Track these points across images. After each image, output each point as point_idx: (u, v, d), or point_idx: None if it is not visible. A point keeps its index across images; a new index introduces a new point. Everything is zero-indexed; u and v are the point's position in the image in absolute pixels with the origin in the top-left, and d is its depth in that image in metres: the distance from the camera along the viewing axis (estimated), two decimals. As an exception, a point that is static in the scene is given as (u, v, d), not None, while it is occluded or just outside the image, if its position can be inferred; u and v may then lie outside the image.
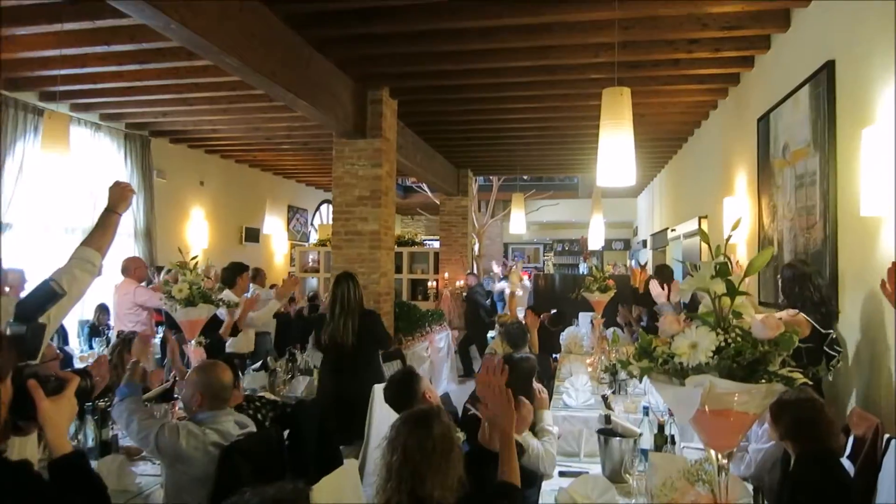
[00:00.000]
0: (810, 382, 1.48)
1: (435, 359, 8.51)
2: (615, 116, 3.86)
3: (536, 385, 3.32)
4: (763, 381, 1.43)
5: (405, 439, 2.07)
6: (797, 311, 3.43)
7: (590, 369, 5.60)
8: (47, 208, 7.27)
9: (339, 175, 6.72)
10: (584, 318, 8.57)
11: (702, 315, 1.61)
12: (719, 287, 1.52)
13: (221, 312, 5.08)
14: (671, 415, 3.04)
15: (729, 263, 1.58)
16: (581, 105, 6.87)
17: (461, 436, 2.71)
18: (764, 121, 5.21)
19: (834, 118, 3.87)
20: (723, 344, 1.44)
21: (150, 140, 8.82)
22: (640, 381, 2.52)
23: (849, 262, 3.78)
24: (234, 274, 5.99)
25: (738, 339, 1.45)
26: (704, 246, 5.86)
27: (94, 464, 3.08)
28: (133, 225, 8.67)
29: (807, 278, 3.53)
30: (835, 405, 3.59)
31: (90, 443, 3.34)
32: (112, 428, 3.44)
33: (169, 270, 7.58)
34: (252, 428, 2.99)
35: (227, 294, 5.01)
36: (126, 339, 4.38)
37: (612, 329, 8.02)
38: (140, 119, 8.27)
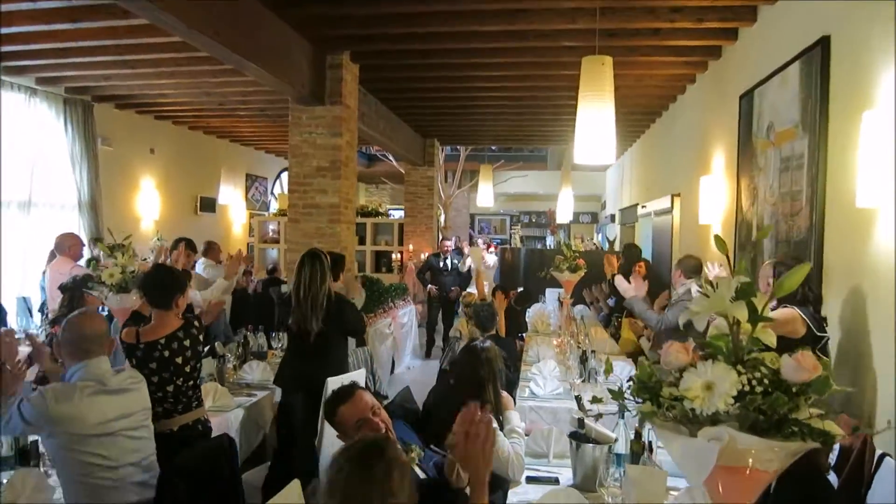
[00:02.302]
0: (846, 436, 1.19)
1: (398, 335, 8.23)
2: (595, 88, 3.53)
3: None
4: (792, 433, 1.13)
5: (346, 483, 1.73)
6: (793, 308, 3.17)
7: (557, 349, 5.36)
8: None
9: (296, 144, 6.30)
10: (550, 294, 8.36)
11: (713, 339, 1.32)
12: (742, 314, 1.21)
13: (196, 294, 4.70)
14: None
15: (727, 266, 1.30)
16: (554, 74, 6.52)
17: (416, 454, 2.41)
18: (747, 98, 4.93)
19: (827, 99, 3.60)
20: (746, 388, 1.14)
21: (92, 105, 8.17)
22: (642, 423, 2.22)
23: (835, 255, 3.54)
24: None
25: (765, 381, 1.14)
26: (676, 224, 5.62)
27: (6, 476, 2.78)
28: (76, 196, 8.07)
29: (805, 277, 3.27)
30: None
31: (5, 451, 2.95)
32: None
33: (100, 240, 7.14)
34: (141, 378, 2.81)
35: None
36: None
37: (579, 307, 7.84)
38: (80, 83, 7.64)
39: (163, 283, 3.22)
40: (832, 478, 2.73)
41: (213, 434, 3.35)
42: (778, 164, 4.34)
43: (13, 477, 2.71)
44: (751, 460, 1.17)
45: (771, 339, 1.28)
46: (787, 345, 3.08)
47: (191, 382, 3.15)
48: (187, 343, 3.12)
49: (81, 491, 2.54)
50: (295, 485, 2.11)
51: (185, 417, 3.10)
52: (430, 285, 9.39)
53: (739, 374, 1.16)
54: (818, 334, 3.10)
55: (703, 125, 6.40)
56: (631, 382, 1.30)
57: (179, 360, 3.07)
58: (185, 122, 10.20)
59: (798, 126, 4.00)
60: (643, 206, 9.26)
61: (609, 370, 1.68)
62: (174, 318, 3.17)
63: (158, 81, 7.39)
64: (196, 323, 3.25)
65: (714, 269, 3.91)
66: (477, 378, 2.94)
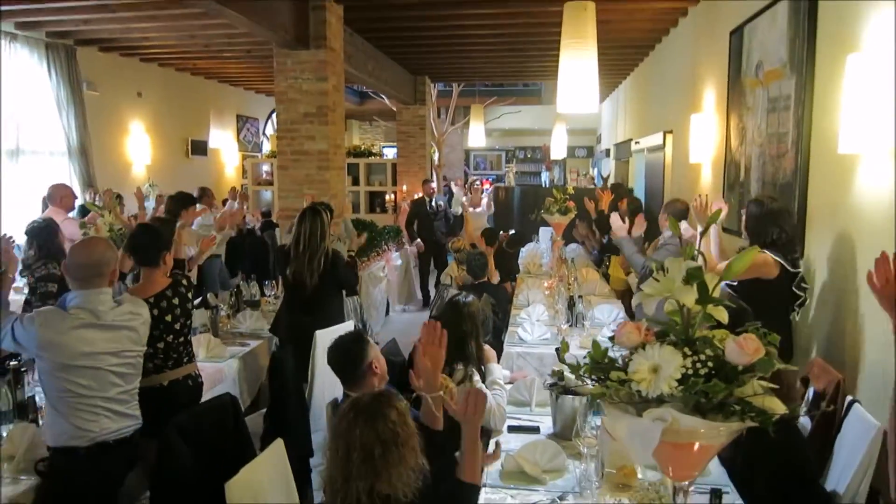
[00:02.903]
0: (787, 413, 1.24)
1: (392, 277, 8.31)
2: (577, 35, 3.47)
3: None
4: (734, 412, 1.18)
5: (361, 433, 1.82)
6: (766, 252, 3.22)
7: (547, 292, 5.43)
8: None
9: (283, 90, 6.21)
10: (544, 233, 8.41)
11: (669, 313, 1.35)
12: (690, 299, 1.25)
13: (190, 251, 4.72)
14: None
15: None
16: (543, 11, 6.35)
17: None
18: (737, 34, 4.83)
19: (814, 39, 3.53)
20: (690, 371, 1.18)
21: (75, 49, 8.02)
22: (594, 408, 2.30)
23: (819, 199, 3.55)
24: (178, 206, 5.55)
25: (709, 363, 1.19)
26: (668, 162, 5.59)
27: (5, 429, 2.88)
28: (65, 143, 8.02)
29: (774, 216, 3.29)
30: (798, 352, 3.45)
31: (3, 405, 3.03)
32: (28, 387, 3.16)
33: (92, 186, 7.11)
34: (144, 312, 2.85)
35: None
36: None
37: (572, 246, 7.88)
38: (61, 28, 7.46)
39: (149, 241, 3.24)
40: (805, 421, 2.83)
41: (206, 387, 3.44)
42: (766, 104, 4.29)
43: (12, 431, 2.83)
44: (699, 437, 1.23)
45: (722, 316, 1.32)
46: (762, 286, 3.18)
47: (181, 339, 3.21)
48: (176, 301, 3.17)
49: (58, 410, 2.61)
50: (279, 443, 2.19)
51: (175, 373, 3.17)
52: (417, 240, 8.86)
53: (685, 356, 1.20)
54: (792, 271, 3.15)
55: (694, 61, 6.29)
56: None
57: (169, 317, 3.13)
58: (171, 64, 10.00)
59: (786, 66, 3.94)
60: (636, 142, 9.18)
61: (565, 349, 1.72)
62: (162, 276, 3.20)
63: (141, 24, 7.21)
64: (184, 281, 3.28)
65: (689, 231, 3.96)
66: (459, 332, 3.01)
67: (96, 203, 5.87)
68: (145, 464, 2.99)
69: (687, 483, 1.36)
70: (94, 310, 2.63)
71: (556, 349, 2.99)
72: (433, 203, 9.00)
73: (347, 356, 2.72)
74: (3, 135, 7.14)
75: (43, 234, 4.41)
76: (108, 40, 8.24)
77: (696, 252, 1.34)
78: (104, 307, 2.66)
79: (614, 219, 4.62)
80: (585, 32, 3.42)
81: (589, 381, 1.32)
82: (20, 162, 7.44)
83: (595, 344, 1.36)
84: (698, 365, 1.19)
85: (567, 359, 2.76)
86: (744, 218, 3.50)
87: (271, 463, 2.18)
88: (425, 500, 1.86)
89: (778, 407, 1.20)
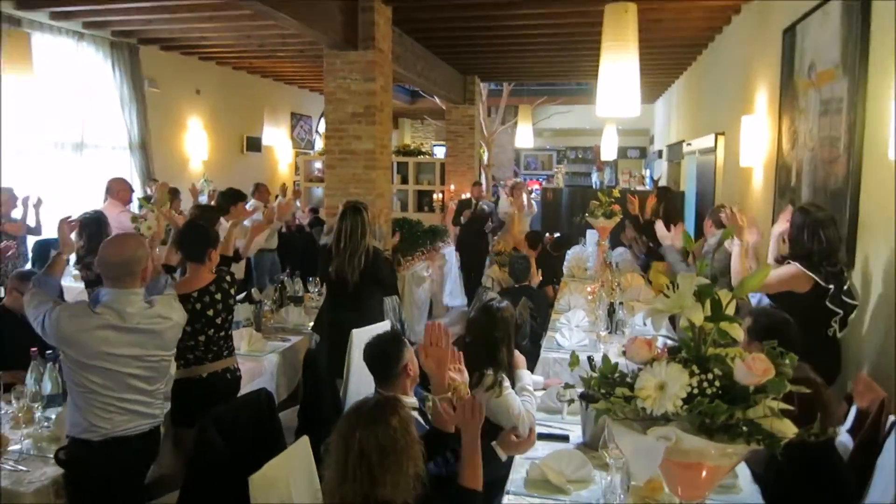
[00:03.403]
0: (795, 435, 1.21)
1: (437, 277, 8.34)
2: (618, 37, 3.42)
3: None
4: (741, 433, 1.16)
5: (361, 436, 1.86)
6: (796, 265, 3.11)
7: (590, 297, 5.37)
8: (34, 123, 6.95)
9: (332, 90, 6.31)
10: (591, 236, 8.30)
11: (683, 329, 1.33)
12: (698, 317, 1.22)
13: (239, 242, 4.84)
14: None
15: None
16: (593, 10, 6.27)
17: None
18: (790, 33, 4.68)
19: (867, 39, 3.39)
20: (695, 391, 1.16)
21: (138, 48, 8.35)
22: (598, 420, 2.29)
23: (871, 206, 3.41)
24: (228, 201, 5.71)
25: (717, 382, 1.17)
26: (720, 165, 5.45)
27: (55, 412, 3.02)
28: (127, 138, 8.37)
29: (818, 226, 3.17)
30: (845, 367, 3.32)
31: (49, 389, 3.17)
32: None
33: (154, 180, 7.32)
34: (175, 315, 2.77)
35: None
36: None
37: (619, 250, 7.77)
38: (125, 27, 7.79)
39: (196, 238, 3.34)
40: (847, 439, 2.73)
41: (245, 380, 3.54)
42: (818, 106, 4.15)
43: (61, 413, 2.95)
44: (705, 458, 1.21)
45: (737, 333, 1.29)
46: (793, 300, 3.08)
47: (222, 333, 3.31)
48: (218, 297, 3.26)
49: (76, 402, 2.59)
50: (304, 440, 2.25)
51: (214, 365, 3.26)
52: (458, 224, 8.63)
53: (693, 374, 1.18)
54: (824, 286, 3.04)
55: (746, 61, 6.11)
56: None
57: (210, 312, 3.23)
58: (228, 63, 10.27)
59: (839, 67, 3.80)
60: (688, 144, 8.98)
61: (575, 363, 1.70)
62: (207, 272, 3.30)
63: (198, 25, 7.45)
64: (228, 278, 3.38)
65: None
66: (491, 339, 3.02)
67: (151, 197, 6.08)
68: (184, 453, 3.10)
69: (696, 504, 1.33)
70: (121, 311, 2.57)
71: (588, 357, 2.96)
72: (478, 207, 8.79)
73: (384, 355, 2.74)
74: (68, 129, 7.49)
75: (92, 226, 4.57)
76: (169, 39, 8.53)
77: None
78: (132, 309, 2.60)
79: (659, 227, 4.55)
80: (626, 34, 3.36)
81: (595, 407, 1.31)
82: (84, 155, 7.79)
83: (605, 358, 1.35)
84: (705, 384, 1.17)
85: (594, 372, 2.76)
86: (789, 228, 3.39)
87: (296, 459, 2.23)
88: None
89: (788, 429, 1.17)
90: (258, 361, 4.08)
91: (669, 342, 1.30)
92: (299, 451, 2.24)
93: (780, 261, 3.34)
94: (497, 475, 2.46)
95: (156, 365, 2.70)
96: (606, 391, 1.28)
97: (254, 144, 11.41)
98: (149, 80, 8.69)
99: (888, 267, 3.17)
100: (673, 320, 1.58)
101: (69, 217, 3.21)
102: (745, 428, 1.15)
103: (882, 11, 3.30)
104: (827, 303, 3.03)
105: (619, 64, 3.38)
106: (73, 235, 3.40)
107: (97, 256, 2.71)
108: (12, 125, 6.61)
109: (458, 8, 6.59)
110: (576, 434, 2.90)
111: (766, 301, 3.38)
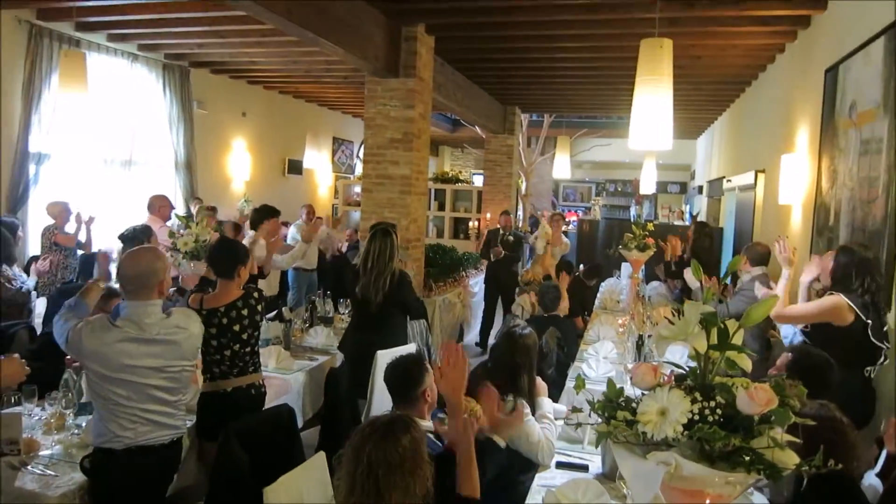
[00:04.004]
0: (796, 467, 1.19)
1: (469, 303, 8.34)
2: (653, 72, 3.43)
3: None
4: (742, 462, 1.15)
5: (371, 450, 1.90)
6: (839, 295, 3.07)
7: (621, 329, 5.32)
8: (85, 139, 7.23)
9: (371, 116, 6.43)
10: (626, 269, 8.21)
11: (691, 357, 1.34)
12: (701, 345, 1.23)
13: (277, 259, 4.92)
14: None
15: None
16: (627, 45, 6.30)
17: None
18: (832, 73, 4.64)
19: (908, 80, 3.36)
20: (696, 417, 1.17)
21: (189, 70, 8.67)
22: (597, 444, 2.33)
23: (909, 247, 3.34)
24: (261, 217, 5.83)
25: (718, 410, 1.17)
26: (759, 202, 5.41)
27: (86, 419, 3.10)
28: (173, 157, 8.66)
29: (866, 266, 3.14)
30: (879, 410, 3.23)
31: (85, 398, 3.25)
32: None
33: (198, 199, 7.53)
34: (193, 326, 2.81)
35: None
36: None
37: (654, 284, 7.68)
38: (178, 50, 8.11)
39: (226, 255, 3.43)
40: (877, 482, 2.65)
41: (271, 396, 3.59)
42: (858, 145, 4.09)
43: (90, 421, 3.02)
44: (705, 486, 1.20)
45: (746, 364, 1.29)
46: (833, 332, 3.05)
47: (248, 349, 3.36)
48: (245, 312, 3.33)
49: (99, 412, 2.65)
50: (320, 455, 2.27)
51: (239, 380, 3.31)
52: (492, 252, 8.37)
53: (694, 401, 1.18)
54: (866, 320, 2.99)
55: (788, 99, 6.05)
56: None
57: (237, 327, 3.29)
58: (275, 87, 10.57)
59: (880, 107, 3.75)
60: (728, 180, 8.88)
61: (581, 386, 1.70)
62: (235, 288, 3.38)
63: (247, 50, 7.71)
64: (255, 294, 3.44)
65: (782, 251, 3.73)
66: (513, 364, 3.03)
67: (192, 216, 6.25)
68: (206, 466, 3.15)
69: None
70: (141, 322, 2.62)
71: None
72: (507, 235, 8.54)
73: (404, 377, 2.77)
74: (118, 147, 7.77)
75: (133, 242, 4.72)
76: (219, 63, 8.84)
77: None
78: (150, 320, 2.65)
79: (688, 274, 4.51)
80: (661, 69, 3.38)
81: (602, 417, 1.32)
82: (132, 172, 8.06)
83: (610, 382, 1.36)
84: (707, 411, 1.17)
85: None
86: (831, 264, 3.35)
87: (311, 472, 2.26)
88: None
89: (790, 460, 1.16)
90: (285, 379, 4.13)
91: (677, 370, 1.29)
92: (315, 466, 2.27)
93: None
94: (500, 464, 2.52)
95: (177, 375, 2.75)
96: (609, 415, 1.28)
97: (295, 167, 11.65)
98: (197, 101, 9.01)
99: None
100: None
101: (105, 250, 3.32)
102: (746, 457, 1.15)
103: (923, 52, 3.26)
104: (870, 336, 2.98)
105: (653, 98, 3.40)
106: (114, 254, 3.52)
107: (119, 271, 2.78)
108: (66, 141, 6.90)
109: (500, 39, 6.69)
110: (595, 464, 2.87)
111: (799, 337, 3.33)
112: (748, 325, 1.29)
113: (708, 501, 1.22)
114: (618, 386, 2.92)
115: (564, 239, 8.25)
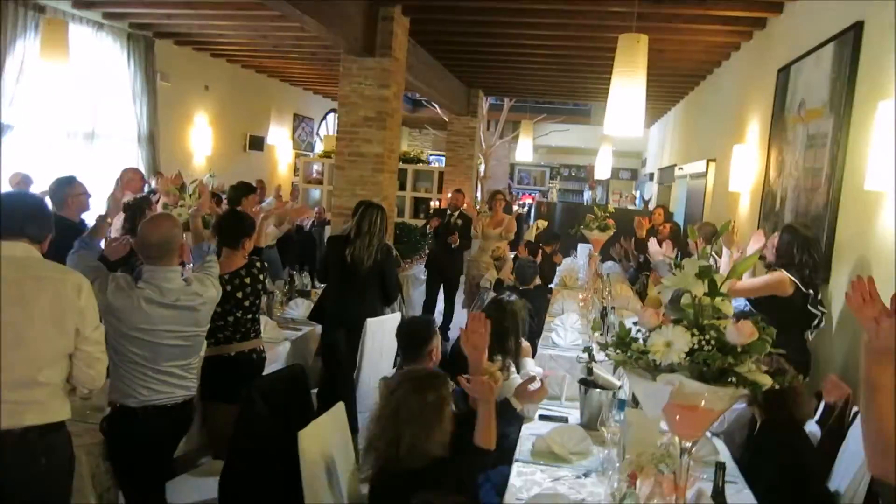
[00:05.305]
0: (773, 385, 1.53)
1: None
2: (629, 65, 3.75)
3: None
4: (731, 382, 1.48)
5: (400, 395, 2.20)
6: (782, 271, 3.52)
7: (581, 304, 5.70)
8: (49, 110, 7.13)
9: (346, 94, 6.58)
10: (582, 249, 8.65)
11: (684, 306, 1.64)
12: (700, 289, 1.55)
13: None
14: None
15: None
16: (598, 36, 6.64)
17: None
18: (784, 72, 5.06)
19: (853, 84, 3.75)
20: (696, 346, 1.49)
21: (154, 41, 8.57)
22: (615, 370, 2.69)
23: (846, 231, 3.78)
24: (240, 194, 5.92)
25: (712, 342, 1.49)
26: (709, 189, 5.85)
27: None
28: (136, 130, 8.54)
29: (806, 244, 3.58)
30: (816, 369, 3.67)
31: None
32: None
33: (160, 174, 7.54)
34: (209, 292, 2.91)
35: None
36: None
37: (609, 263, 8.12)
38: (144, 20, 8.02)
39: (232, 225, 3.60)
40: (816, 430, 3.06)
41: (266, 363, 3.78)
42: (805, 140, 4.51)
43: (104, 384, 3.16)
44: (702, 401, 1.53)
45: (728, 309, 1.62)
46: (777, 302, 3.51)
47: (249, 315, 3.54)
48: (248, 280, 3.51)
49: (116, 370, 2.73)
50: (340, 406, 2.52)
51: (242, 345, 3.48)
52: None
53: (693, 335, 1.50)
54: (805, 291, 3.48)
55: (741, 94, 6.50)
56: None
57: (240, 294, 3.47)
58: (238, 61, 10.49)
59: (826, 106, 4.16)
60: (680, 168, 9.38)
61: (596, 328, 2.01)
62: (240, 258, 3.54)
63: (218, 22, 7.69)
64: (258, 264, 3.61)
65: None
66: (501, 329, 3.32)
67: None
68: (211, 427, 3.33)
69: (690, 444, 1.65)
70: (161, 287, 2.73)
71: (586, 347, 3.28)
72: (456, 219, 7.65)
73: (418, 335, 3.05)
74: (81, 119, 7.66)
75: (134, 213, 4.78)
76: (184, 34, 8.76)
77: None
78: (170, 285, 2.76)
79: (652, 243, 4.92)
80: (637, 62, 3.71)
81: (613, 352, 1.64)
82: (95, 145, 7.95)
83: (621, 324, 1.67)
84: (703, 342, 1.50)
85: (594, 375, 3.11)
86: (776, 241, 3.76)
87: (335, 419, 2.51)
88: (441, 464, 2.20)
89: (766, 381, 1.50)
90: (273, 348, 4.32)
91: (673, 315, 1.61)
92: (338, 414, 2.52)
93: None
94: (515, 422, 2.84)
95: (191, 340, 2.89)
96: (623, 349, 1.60)
97: (256, 143, 11.64)
98: (161, 73, 8.89)
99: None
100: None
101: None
102: (733, 378, 1.48)
103: (869, 58, 3.66)
104: (808, 306, 3.42)
105: (628, 88, 3.73)
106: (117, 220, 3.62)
107: (137, 239, 2.91)
108: (29, 113, 6.79)
109: (474, 24, 6.90)
110: (573, 417, 3.20)
111: (748, 308, 3.75)
112: (735, 276, 1.62)
113: (701, 410, 1.54)
114: (584, 347, 3.31)
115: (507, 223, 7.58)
